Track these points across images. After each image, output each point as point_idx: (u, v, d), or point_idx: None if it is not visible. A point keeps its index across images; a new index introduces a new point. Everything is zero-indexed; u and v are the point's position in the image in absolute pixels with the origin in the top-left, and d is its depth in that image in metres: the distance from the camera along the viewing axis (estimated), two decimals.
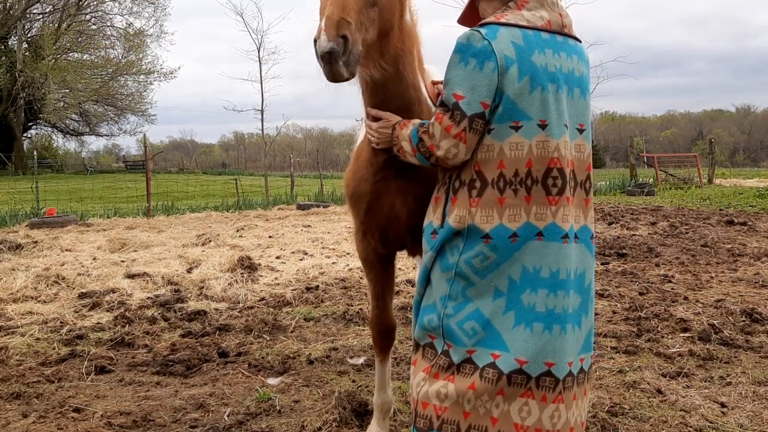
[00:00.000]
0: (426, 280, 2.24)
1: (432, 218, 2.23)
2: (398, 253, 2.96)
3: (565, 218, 2.10)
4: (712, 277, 6.57)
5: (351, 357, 4.29)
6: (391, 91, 2.33)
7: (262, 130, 23.19)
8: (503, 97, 2.04)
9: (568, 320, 2.09)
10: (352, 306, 5.65)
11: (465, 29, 2.16)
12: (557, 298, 2.07)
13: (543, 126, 2.06)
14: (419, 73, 2.47)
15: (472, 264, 2.08)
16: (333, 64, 1.90)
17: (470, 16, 2.40)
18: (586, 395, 2.20)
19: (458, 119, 2.04)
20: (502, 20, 2.10)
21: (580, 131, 2.19)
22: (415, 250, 2.80)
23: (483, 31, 2.06)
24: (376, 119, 2.38)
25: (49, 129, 51.12)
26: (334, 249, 8.96)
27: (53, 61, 39.89)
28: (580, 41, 2.27)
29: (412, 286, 6.34)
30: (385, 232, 2.66)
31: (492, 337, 2.07)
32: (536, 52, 2.07)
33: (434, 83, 2.52)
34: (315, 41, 1.92)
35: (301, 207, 16.11)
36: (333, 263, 7.82)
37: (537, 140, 2.06)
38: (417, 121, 2.26)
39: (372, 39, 2.11)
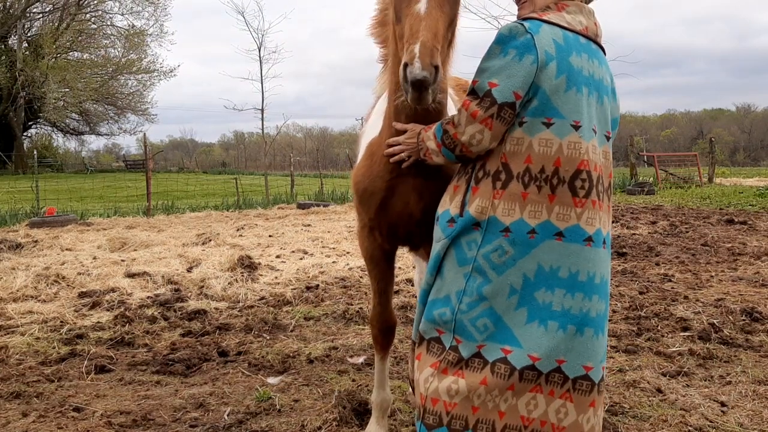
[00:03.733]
0: (436, 269, 2.22)
1: (449, 206, 2.22)
2: (398, 252, 2.96)
3: (590, 221, 2.10)
4: (712, 276, 6.57)
5: (351, 356, 4.29)
6: (432, 96, 2.30)
7: (262, 129, 23.20)
8: (539, 92, 2.06)
9: (587, 323, 2.09)
10: (352, 305, 5.65)
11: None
12: (574, 300, 2.08)
13: (576, 127, 2.08)
14: None
15: (490, 259, 2.08)
16: (423, 92, 1.93)
17: None
18: (604, 404, 2.21)
19: (487, 105, 2.05)
20: (545, 18, 2.12)
21: (608, 138, 2.24)
22: (419, 245, 2.78)
23: (526, 24, 2.09)
24: (399, 134, 2.38)
25: (49, 128, 51.11)
26: (334, 248, 8.96)
27: (53, 60, 39.87)
28: (605, 53, 2.30)
29: (412, 285, 6.34)
30: (395, 228, 2.64)
31: (502, 332, 2.08)
32: (574, 54, 2.10)
33: None
34: (405, 65, 1.93)
35: (301, 206, 16.10)
36: (333, 262, 7.82)
37: (569, 140, 2.07)
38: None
39: (444, 59, 2.13)
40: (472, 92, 2.10)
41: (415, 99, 1.96)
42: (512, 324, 2.07)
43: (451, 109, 2.74)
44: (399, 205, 2.54)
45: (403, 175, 2.47)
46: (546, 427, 2.07)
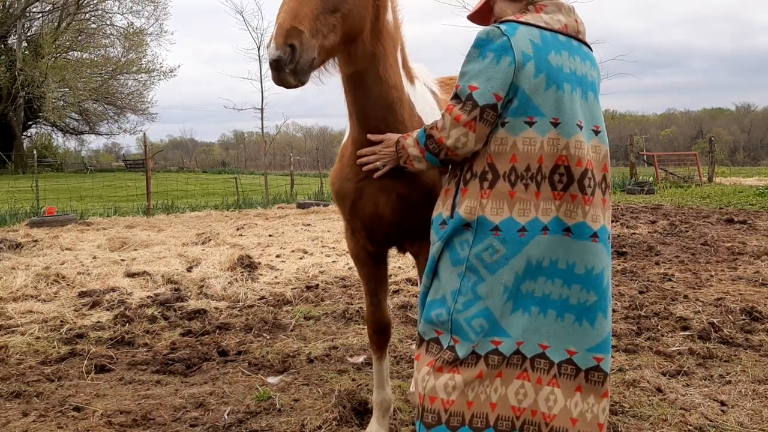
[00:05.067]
0: (433, 272, 2.27)
1: (441, 210, 2.27)
2: (397, 252, 2.97)
3: (569, 213, 2.15)
4: (711, 276, 6.57)
5: (351, 356, 4.29)
6: (373, 93, 2.37)
7: (262, 128, 23.19)
8: (518, 92, 2.10)
9: (566, 310, 2.15)
10: (351, 305, 5.65)
11: (474, 27, 2.22)
12: (554, 285, 2.14)
13: (555, 124, 2.12)
14: (404, 72, 2.51)
15: (482, 257, 2.12)
16: (279, 72, 1.94)
17: (483, 14, 2.46)
18: (606, 397, 2.20)
19: (469, 109, 2.10)
20: (522, 19, 2.17)
21: (596, 132, 2.26)
22: (405, 247, 2.81)
23: (503, 27, 2.13)
24: (374, 144, 2.43)
25: (49, 128, 51.09)
26: (334, 248, 8.95)
27: (53, 59, 39.85)
28: (591, 48, 2.34)
29: (412, 285, 6.34)
30: (372, 230, 2.68)
31: (492, 327, 2.13)
32: (553, 53, 2.14)
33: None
34: (267, 47, 1.97)
35: (301, 206, 16.10)
36: (333, 262, 7.81)
37: (548, 137, 2.12)
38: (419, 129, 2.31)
39: (333, 44, 2.12)
40: (455, 96, 2.15)
41: (275, 79, 1.98)
42: (499, 316, 2.13)
43: (434, 109, 2.77)
44: (368, 207, 2.58)
45: (370, 177, 2.51)
46: (537, 417, 2.12)
